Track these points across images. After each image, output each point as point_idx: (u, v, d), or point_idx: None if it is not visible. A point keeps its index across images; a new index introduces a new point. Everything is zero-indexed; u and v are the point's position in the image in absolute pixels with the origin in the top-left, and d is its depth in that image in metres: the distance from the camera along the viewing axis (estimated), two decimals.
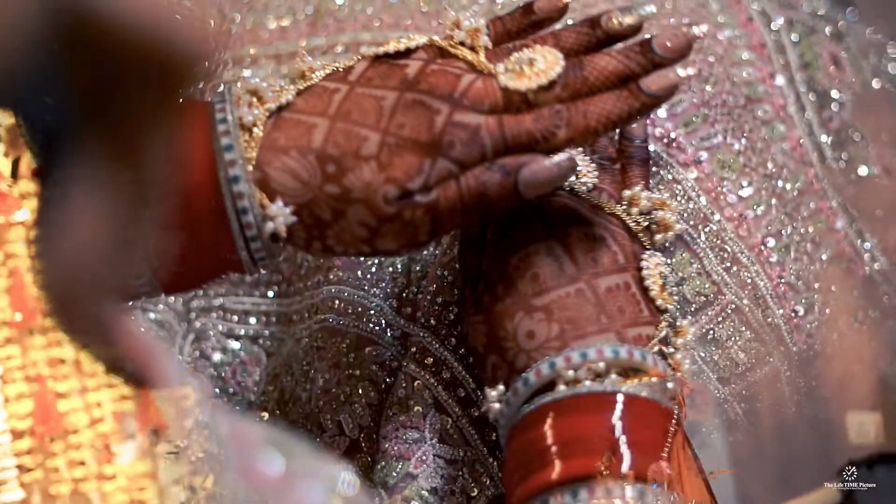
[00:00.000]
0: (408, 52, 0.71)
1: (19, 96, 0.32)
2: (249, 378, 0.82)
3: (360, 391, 0.77)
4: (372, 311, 0.78)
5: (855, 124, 0.86)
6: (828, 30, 0.88)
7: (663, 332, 0.70)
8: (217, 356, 0.82)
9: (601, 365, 0.67)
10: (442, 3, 0.85)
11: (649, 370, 0.67)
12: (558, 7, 0.73)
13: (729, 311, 0.77)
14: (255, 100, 0.69)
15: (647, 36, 0.69)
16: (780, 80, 0.84)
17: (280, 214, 0.67)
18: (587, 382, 0.66)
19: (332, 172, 0.67)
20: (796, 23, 0.87)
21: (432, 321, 0.77)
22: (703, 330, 0.77)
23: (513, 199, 0.67)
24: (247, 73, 0.86)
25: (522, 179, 0.67)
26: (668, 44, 0.68)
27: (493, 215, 0.69)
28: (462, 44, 0.71)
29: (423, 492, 0.74)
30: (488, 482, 0.75)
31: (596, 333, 0.68)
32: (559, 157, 0.67)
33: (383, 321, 0.78)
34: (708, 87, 0.81)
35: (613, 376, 0.67)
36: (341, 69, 0.71)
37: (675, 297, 0.74)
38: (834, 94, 0.86)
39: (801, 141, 0.83)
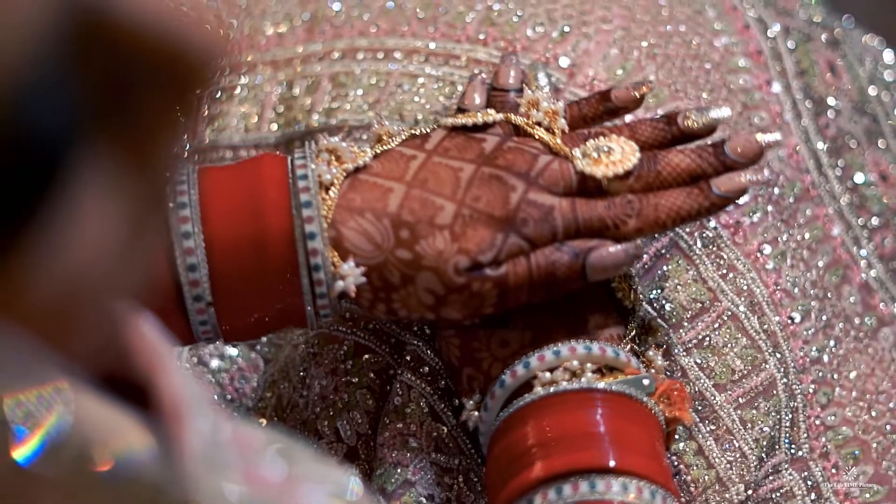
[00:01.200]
0: (484, 126, 0.73)
1: (30, 96, 0.31)
2: (247, 384, 0.82)
3: (358, 398, 0.77)
4: (368, 318, 0.78)
5: (851, 131, 0.86)
6: (824, 37, 0.88)
7: (633, 332, 0.73)
8: (215, 363, 0.82)
9: (575, 363, 0.68)
10: (438, 10, 0.85)
11: (623, 367, 0.69)
12: (635, 99, 0.74)
13: (725, 318, 0.77)
14: (333, 158, 0.70)
15: (722, 138, 0.72)
16: (776, 87, 0.84)
17: (351, 274, 0.68)
18: (564, 382, 0.68)
19: (406, 238, 0.68)
20: (793, 30, 0.87)
21: (427, 330, 0.77)
22: (700, 336, 0.77)
23: (578, 281, 0.69)
24: (244, 79, 0.86)
25: (590, 264, 0.69)
26: (740, 149, 0.71)
27: (558, 295, 0.71)
28: (539, 124, 0.73)
29: (420, 499, 0.74)
30: (483, 491, 0.75)
31: (568, 337, 0.70)
32: (626, 245, 0.69)
33: (379, 329, 0.78)
34: (704, 95, 0.82)
35: (589, 374, 0.68)
36: (418, 136, 0.72)
37: (642, 297, 0.75)
38: (830, 101, 0.86)
39: (798, 148, 0.83)
